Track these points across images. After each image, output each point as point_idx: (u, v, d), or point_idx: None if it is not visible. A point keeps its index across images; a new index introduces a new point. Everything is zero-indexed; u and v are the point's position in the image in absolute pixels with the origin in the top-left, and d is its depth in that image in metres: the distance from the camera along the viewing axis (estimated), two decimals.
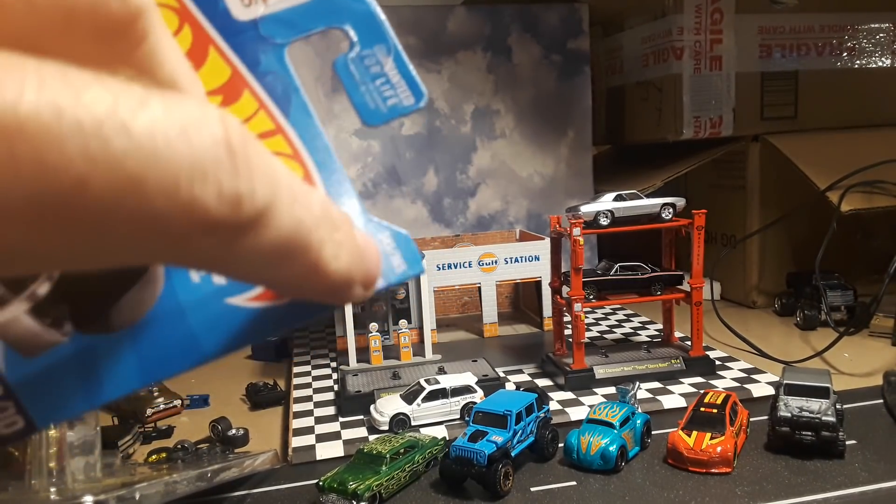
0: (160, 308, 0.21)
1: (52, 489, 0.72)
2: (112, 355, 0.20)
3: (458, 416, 0.99)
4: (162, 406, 1.10)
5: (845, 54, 1.54)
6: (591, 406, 0.93)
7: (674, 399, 1.04)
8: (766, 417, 0.89)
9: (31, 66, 0.14)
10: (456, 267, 1.42)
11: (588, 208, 1.13)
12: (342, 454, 0.91)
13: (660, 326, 1.38)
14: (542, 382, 1.15)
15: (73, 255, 0.15)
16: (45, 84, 0.14)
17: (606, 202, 1.14)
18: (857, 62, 1.55)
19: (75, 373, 0.20)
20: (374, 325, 1.24)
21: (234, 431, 0.99)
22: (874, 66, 1.55)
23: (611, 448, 0.82)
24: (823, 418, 0.83)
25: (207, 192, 0.15)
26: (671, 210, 1.14)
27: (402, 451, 0.83)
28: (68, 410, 0.20)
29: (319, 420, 1.04)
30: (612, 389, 1.07)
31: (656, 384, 1.10)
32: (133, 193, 0.14)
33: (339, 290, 0.19)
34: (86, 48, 0.16)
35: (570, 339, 1.14)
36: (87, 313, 0.20)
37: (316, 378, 1.24)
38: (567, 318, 1.19)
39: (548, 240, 1.29)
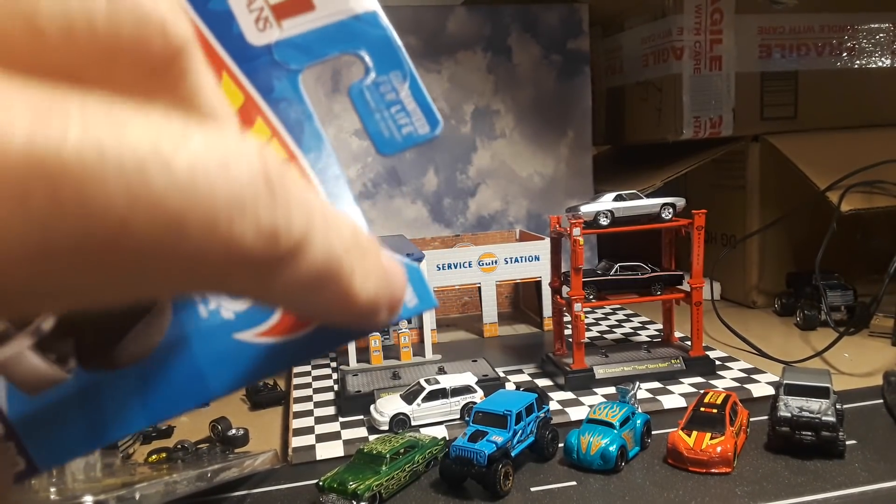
0: (167, 344, 0.20)
1: (52, 489, 0.72)
2: (117, 393, 0.20)
3: (458, 416, 0.99)
4: None
5: (845, 54, 1.54)
6: (591, 406, 0.93)
7: (674, 399, 1.04)
8: (766, 417, 0.89)
9: (76, 103, 0.13)
10: (456, 267, 1.42)
11: (588, 208, 1.14)
12: (342, 454, 0.91)
13: (660, 326, 1.38)
14: (542, 382, 1.15)
15: (109, 292, 0.15)
16: (88, 122, 0.13)
17: (606, 202, 1.14)
18: (857, 62, 1.55)
19: (79, 411, 0.19)
20: None
21: (234, 431, 0.99)
22: (874, 66, 1.55)
23: (611, 448, 0.82)
24: (823, 418, 0.83)
25: (246, 228, 0.15)
26: (671, 210, 1.14)
27: (402, 451, 0.83)
28: (71, 451, 0.19)
29: (319, 420, 1.04)
30: (612, 389, 1.07)
31: (656, 384, 1.10)
32: (173, 232, 0.14)
33: (366, 316, 0.19)
34: (128, 83, 0.16)
35: (570, 339, 1.14)
36: (93, 349, 0.20)
37: (316, 378, 1.24)
38: (567, 318, 1.19)
39: (548, 240, 1.29)
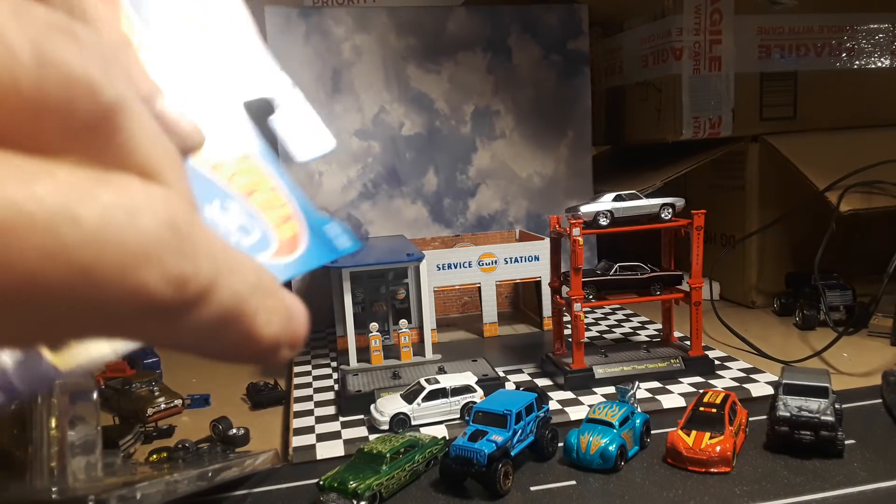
0: None
1: (53, 489, 0.72)
2: None
3: (458, 416, 1.00)
4: (163, 406, 1.10)
5: (844, 55, 1.54)
6: (590, 406, 0.93)
7: (673, 399, 1.04)
8: (765, 417, 0.89)
9: None
10: (456, 267, 1.42)
11: (587, 208, 1.14)
12: (342, 454, 0.92)
13: (659, 326, 1.38)
14: (542, 382, 1.15)
15: (19, 337, 0.16)
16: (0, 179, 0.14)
17: (606, 202, 1.14)
18: (857, 63, 1.55)
19: None
20: (374, 325, 1.24)
21: (234, 431, 0.99)
22: (873, 66, 1.56)
23: (610, 447, 0.82)
24: (822, 418, 0.83)
25: (153, 275, 0.16)
26: (670, 210, 1.15)
27: (402, 450, 0.83)
28: None
29: (320, 419, 1.04)
30: (611, 389, 1.08)
31: (656, 384, 1.10)
32: (82, 282, 0.15)
33: (268, 354, 0.20)
34: (55, 140, 0.16)
35: (570, 339, 1.14)
36: None
37: (316, 378, 1.25)
38: (567, 318, 1.19)
39: (547, 240, 1.29)
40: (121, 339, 0.18)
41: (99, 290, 0.15)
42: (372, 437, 0.95)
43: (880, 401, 0.99)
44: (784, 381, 0.91)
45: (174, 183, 0.18)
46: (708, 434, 0.83)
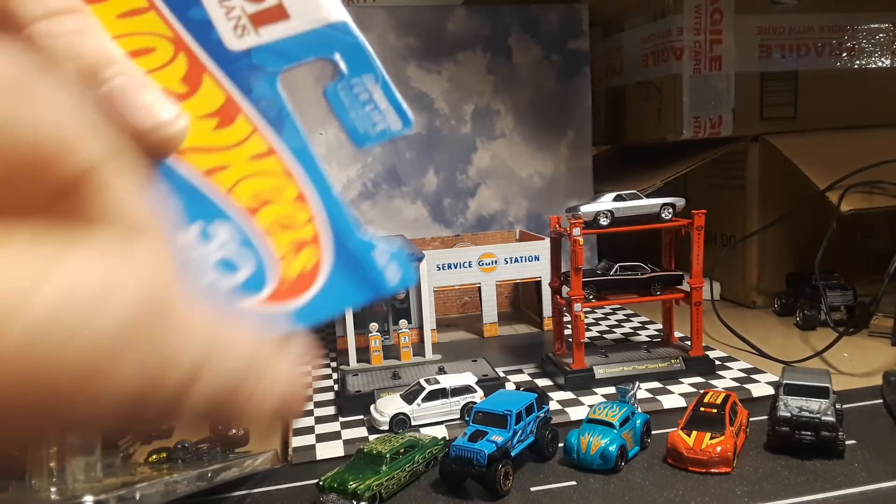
0: None
1: (53, 489, 0.72)
2: None
3: (458, 416, 1.00)
4: None
5: (845, 54, 1.54)
6: (590, 406, 0.93)
7: (673, 399, 1.04)
8: (765, 417, 0.89)
9: None
10: (456, 267, 1.42)
11: (588, 208, 1.14)
12: (342, 454, 0.92)
13: (659, 326, 1.38)
14: (542, 382, 1.15)
15: None
16: None
17: (606, 202, 1.14)
18: (857, 62, 1.55)
19: None
20: (374, 325, 1.24)
21: (234, 431, 0.99)
22: (874, 66, 1.55)
23: (610, 448, 0.82)
24: (823, 418, 0.83)
25: (125, 371, 0.13)
26: (671, 210, 1.14)
27: (402, 450, 0.83)
28: None
29: (319, 420, 1.04)
30: (611, 389, 1.07)
31: (656, 384, 1.10)
32: (37, 386, 0.12)
33: (269, 422, 0.19)
34: (29, 205, 0.14)
35: (570, 339, 1.14)
36: None
37: (316, 378, 1.24)
38: (567, 318, 1.19)
39: (548, 240, 1.29)
40: (105, 433, 0.16)
41: (61, 396, 0.13)
42: (372, 437, 0.95)
43: (881, 401, 0.99)
44: (784, 382, 0.91)
45: (156, 243, 0.16)
46: (708, 434, 0.83)
